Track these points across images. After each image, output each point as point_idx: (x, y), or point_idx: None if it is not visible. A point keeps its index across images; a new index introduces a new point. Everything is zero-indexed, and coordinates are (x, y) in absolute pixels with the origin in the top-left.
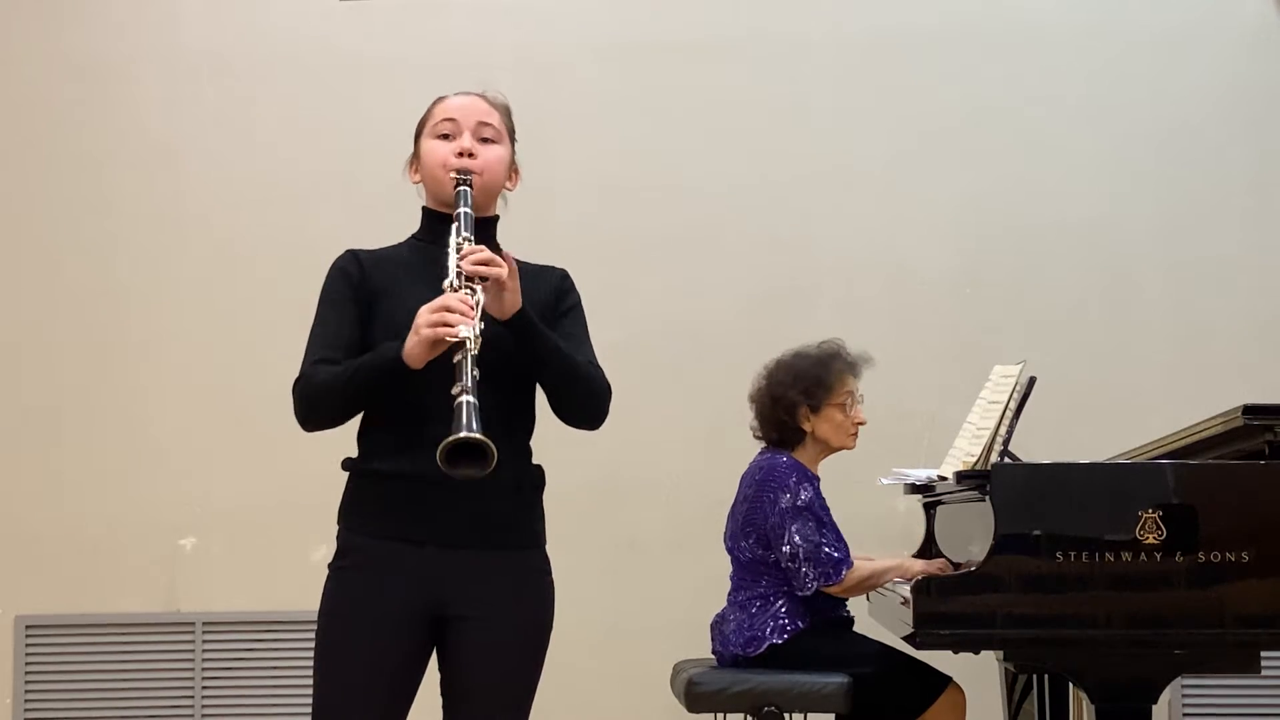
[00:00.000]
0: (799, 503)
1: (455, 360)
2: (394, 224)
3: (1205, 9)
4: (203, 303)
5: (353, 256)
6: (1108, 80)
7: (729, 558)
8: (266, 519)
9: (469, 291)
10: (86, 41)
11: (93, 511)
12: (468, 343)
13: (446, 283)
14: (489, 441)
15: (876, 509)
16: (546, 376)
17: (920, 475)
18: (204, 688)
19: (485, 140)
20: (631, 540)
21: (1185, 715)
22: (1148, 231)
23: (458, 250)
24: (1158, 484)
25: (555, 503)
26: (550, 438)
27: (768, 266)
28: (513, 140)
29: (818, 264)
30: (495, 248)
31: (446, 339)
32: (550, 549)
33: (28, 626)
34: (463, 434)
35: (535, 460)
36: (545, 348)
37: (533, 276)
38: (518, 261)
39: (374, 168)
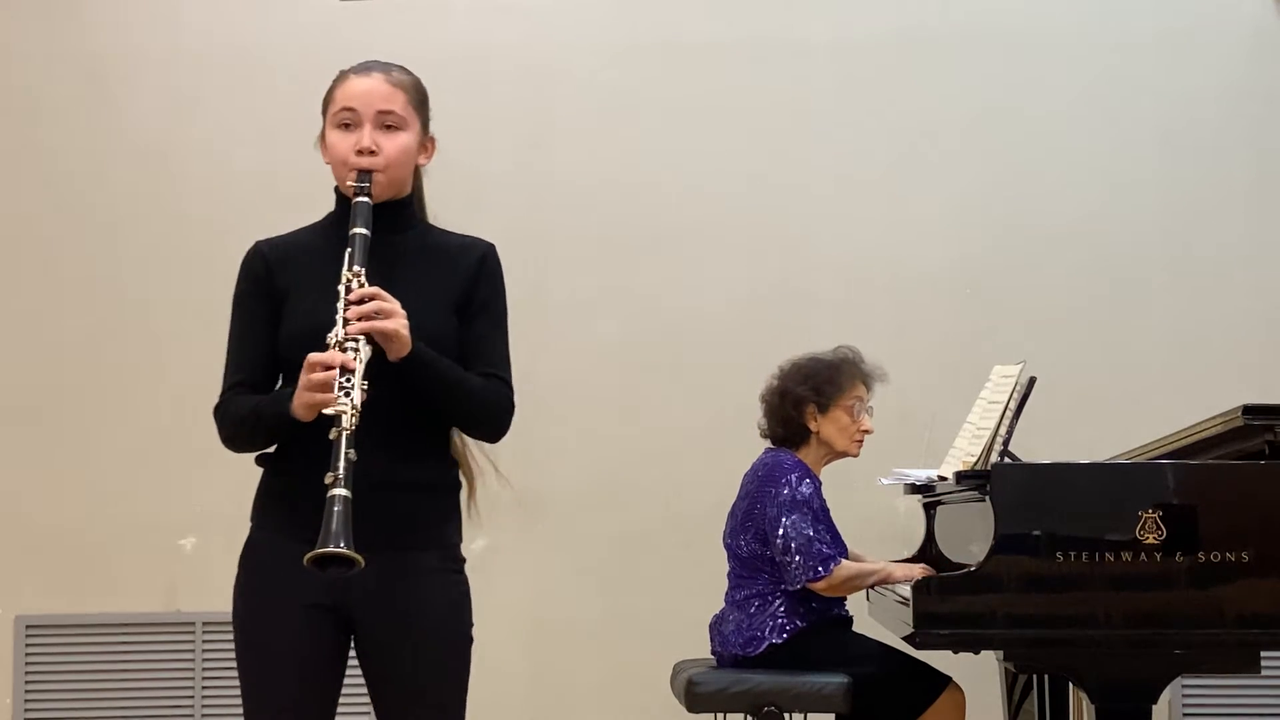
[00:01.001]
0: (797, 496)
1: (330, 437)
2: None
3: (1205, 9)
4: (203, 302)
5: (258, 254)
6: (1108, 80)
7: (728, 556)
8: None
9: (354, 345)
10: (87, 41)
11: (93, 511)
12: (343, 418)
13: (332, 333)
14: (355, 555)
15: (876, 509)
16: (440, 404)
17: (920, 475)
18: (204, 688)
19: (388, 127)
20: (631, 540)
21: (1185, 715)
22: (1148, 231)
23: (347, 289)
24: (1158, 484)
25: (555, 503)
26: (551, 438)
27: (768, 266)
28: (424, 115)
29: (818, 264)
30: (411, 225)
31: (323, 411)
32: (550, 549)
33: (28, 626)
34: (329, 549)
35: (456, 459)
36: (438, 385)
37: (451, 253)
38: (438, 233)
39: None
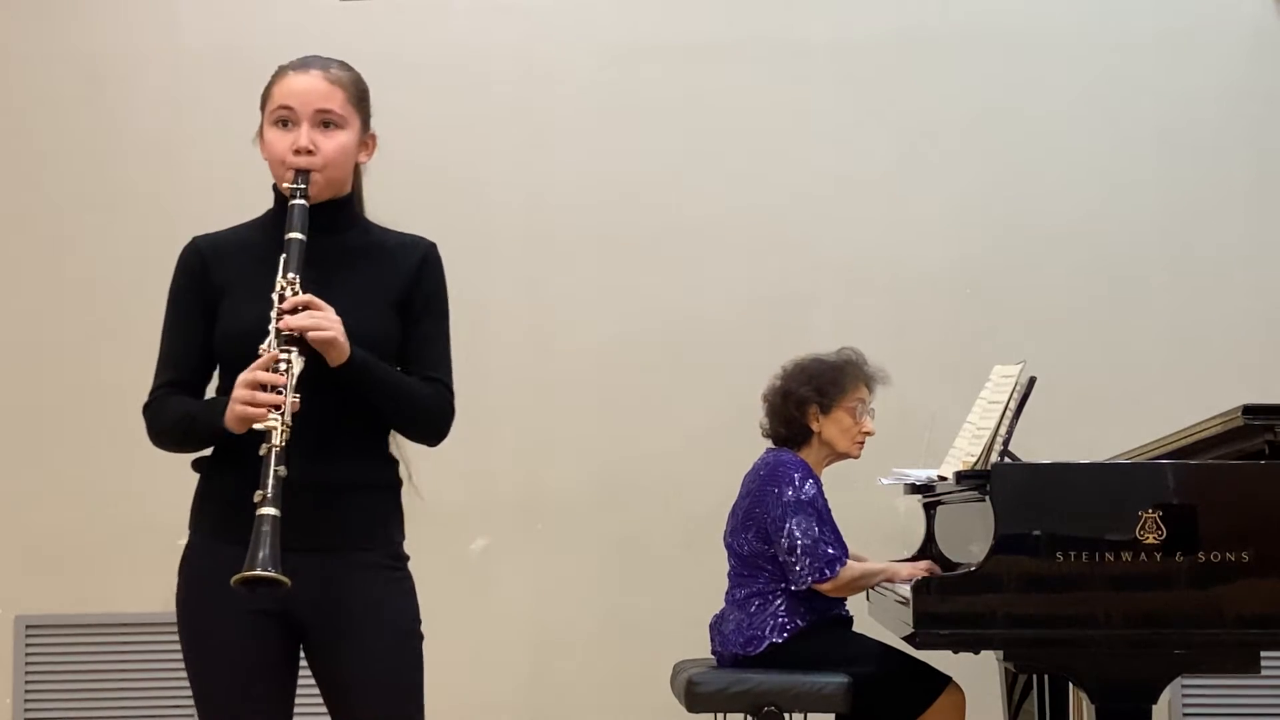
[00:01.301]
0: (802, 497)
1: (260, 453)
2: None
3: (1205, 9)
4: None
5: (195, 251)
6: (1108, 81)
7: (728, 555)
8: None
9: (285, 357)
10: (87, 40)
11: (93, 511)
12: (273, 435)
13: (265, 343)
14: (281, 578)
15: (876, 509)
16: (379, 408)
17: (920, 475)
18: None
19: (327, 126)
20: (631, 540)
21: (1185, 715)
22: (1147, 231)
23: (280, 297)
24: (1158, 484)
25: (556, 503)
26: (551, 438)
27: (768, 266)
28: (364, 112)
29: (818, 264)
30: (351, 224)
31: (254, 426)
32: (551, 549)
33: (28, 626)
34: (256, 572)
35: (397, 457)
36: (377, 390)
37: (391, 252)
38: (379, 231)
39: (372, 166)
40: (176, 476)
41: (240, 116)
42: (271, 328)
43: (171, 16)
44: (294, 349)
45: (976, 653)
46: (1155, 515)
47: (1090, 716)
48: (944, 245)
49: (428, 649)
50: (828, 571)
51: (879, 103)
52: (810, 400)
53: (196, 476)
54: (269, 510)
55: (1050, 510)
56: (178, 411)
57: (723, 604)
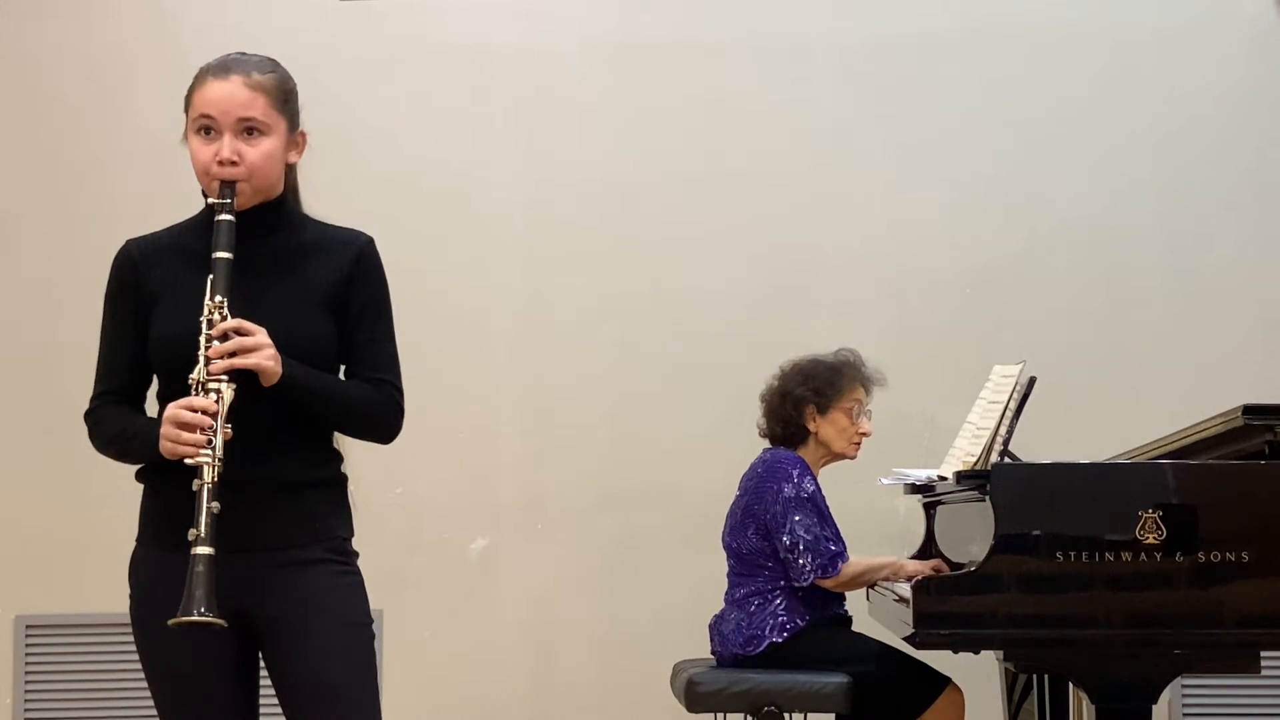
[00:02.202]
0: (802, 494)
1: (193, 489)
2: (393, 222)
3: (1205, 9)
4: None
5: (127, 257)
6: (1107, 80)
7: (727, 556)
8: None
9: (216, 389)
10: (87, 41)
11: (92, 512)
12: (204, 470)
13: (195, 371)
14: (217, 621)
15: (876, 509)
16: (321, 419)
17: (920, 475)
18: None
19: (250, 132)
20: (631, 540)
21: (1185, 715)
22: (1148, 231)
23: (209, 323)
24: (1158, 484)
25: (556, 503)
26: (551, 439)
27: (768, 266)
28: (290, 112)
29: (818, 264)
30: (284, 225)
31: (185, 461)
32: (551, 549)
33: (28, 626)
34: (190, 618)
35: (341, 453)
36: (316, 402)
37: (327, 249)
38: (315, 227)
39: (373, 167)
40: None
41: None
42: (200, 355)
43: (171, 17)
44: (224, 377)
45: (976, 653)
46: (1155, 515)
47: (1090, 716)
48: (944, 245)
49: (429, 649)
50: (830, 568)
51: (879, 103)
52: (807, 401)
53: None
54: (203, 550)
55: (1050, 510)
56: (116, 427)
57: (722, 604)
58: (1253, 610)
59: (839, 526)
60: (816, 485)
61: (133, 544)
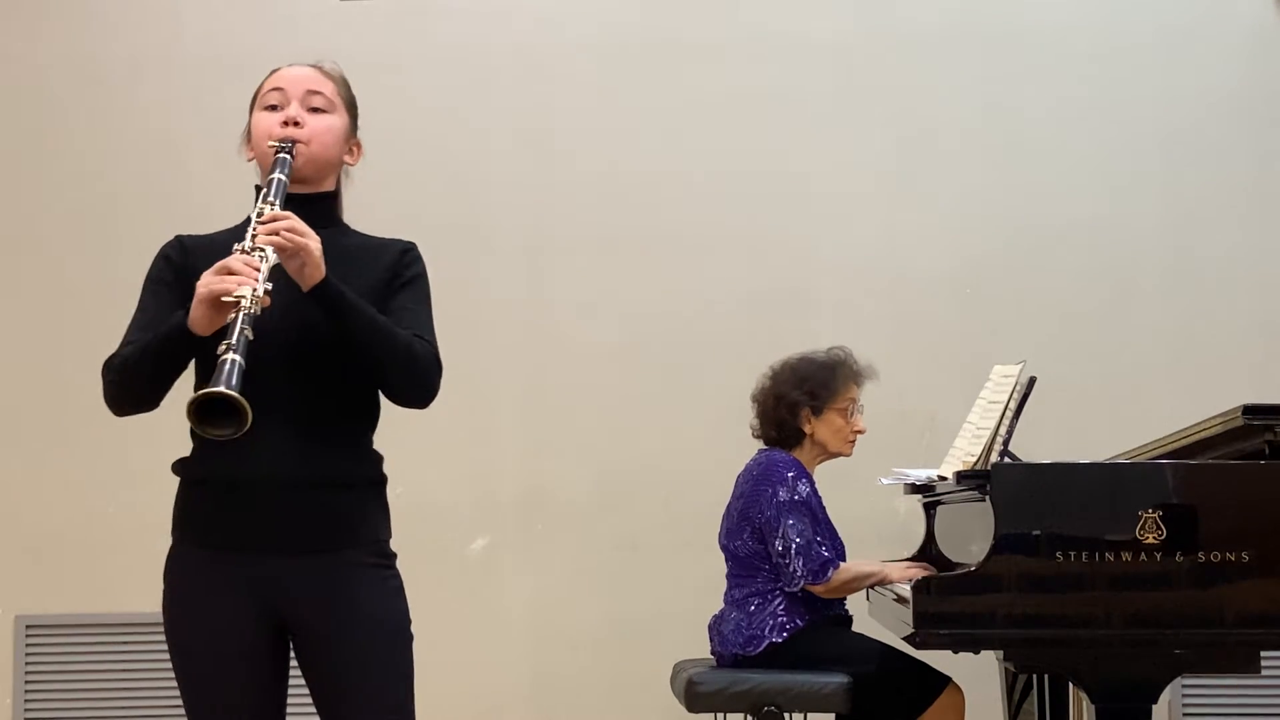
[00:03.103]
0: (796, 497)
1: (229, 319)
2: (393, 222)
3: (1205, 9)
4: None
5: (178, 243)
6: (1108, 80)
7: (725, 557)
8: None
9: (260, 254)
10: (87, 41)
11: (93, 511)
12: (243, 301)
13: (237, 245)
14: (242, 400)
15: (876, 509)
16: (360, 351)
17: (920, 475)
18: None
19: (315, 110)
20: (631, 540)
21: (1185, 715)
22: (1148, 232)
23: (259, 216)
24: (1158, 484)
25: (556, 503)
26: (551, 439)
27: (768, 266)
28: (353, 114)
29: (818, 264)
30: (333, 223)
31: (223, 299)
32: (551, 549)
33: (28, 626)
34: (213, 388)
35: (381, 454)
36: (354, 319)
37: (373, 252)
38: (358, 234)
39: (373, 167)
40: (176, 477)
41: (241, 116)
42: (247, 234)
43: (172, 18)
44: (268, 248)
45: (976, 653)
46: (1155, 515)
47: (1090, 716)
48: (944, 245)
49: (428, 649)
50: (821, 574)
51: (879, 102)
52: (802, 403)
53: None
54: (232, 355)
55: (1050, 510)
56: (134, 347)
57: (722, 604)
58: (1253, 610)
59: (838, 527)
60: (812, 488)
61: (132, 544)
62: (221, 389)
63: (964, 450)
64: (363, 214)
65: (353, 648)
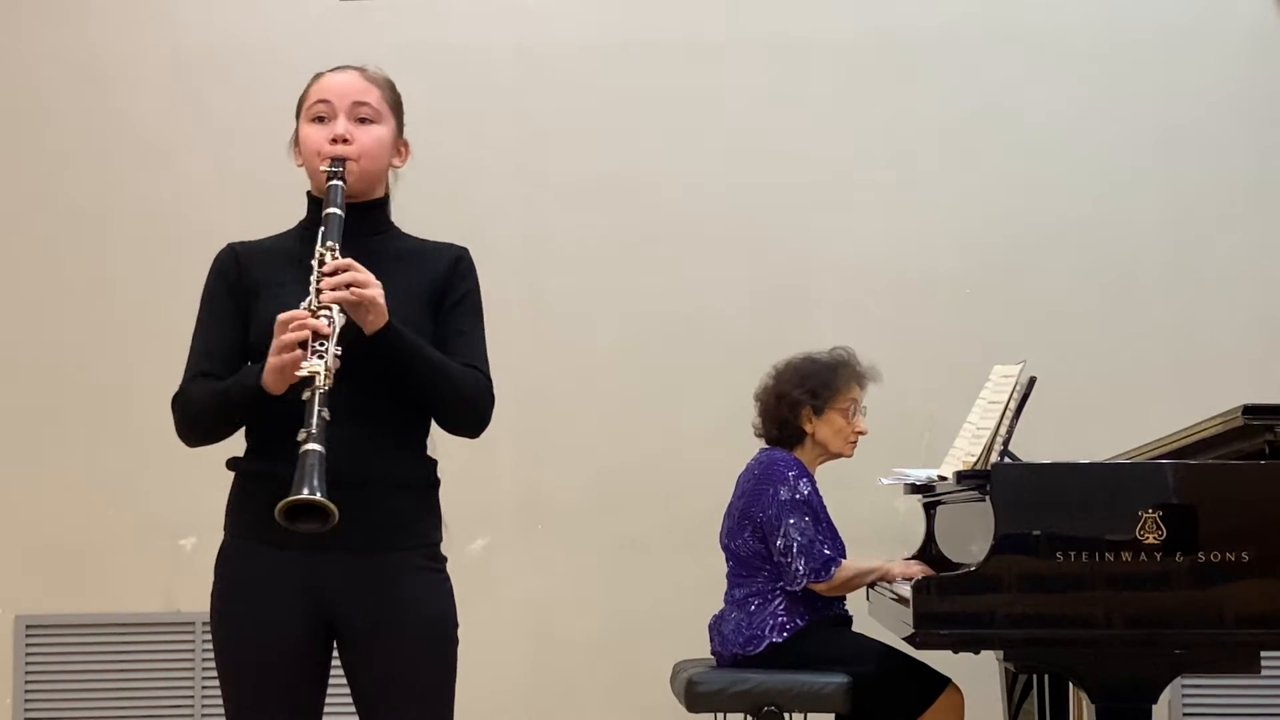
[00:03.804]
0: (797, 496)
1: (304, 398)
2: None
3: (1205, 9)
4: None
5: (230, 253)
6: (1108, 80)
7: (726, 557)
8: None
9: (326, 314)
10: (86, 41)
11: (93, 511)
12: (317, 378)
13: (304, 303)
14: (329, 505)
15: (876, 509)
16: (418, 390)
17: (920, 475)
18: (204, 688)
19: (363, 121)
20: (631, 540)
21: (1185, 715)
22: (1148, 231)
23: (320, 262)
24: (1158, 484)
25: (556, 503)
26: (551, 439)
27: (768, 266)
28: (399, 116)
29: (818, 264)
30: (385, 228)
31: (295, 373)
32: (551, 549)
33: (28, 626)
34: (303, 496)
35: (435, 455)
36: (413, 361)
37: (426, 256)
38: (412, 239)
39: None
40: (176, 477)
41: (240, 116)
42: (312, 289)
43: (171, 16)
44: (334, 306)
45: (977, 653)
46: (1155, 515)
47: (1090, 716)
48: (944, 245)
49: None
50: (824, 572)
51: (878, 102)
52: (803, 402)
53: (196, 478)
54: (314, 446)
55: (1050, 510)
56: (208, 389)
57: (722, 604)
58: (1253, 610)
59: (838, 527)
60: (814, 487)
61: (132, 544)
62: (315, 498)
63: (964, 450)
64: None
65: (400, 649)
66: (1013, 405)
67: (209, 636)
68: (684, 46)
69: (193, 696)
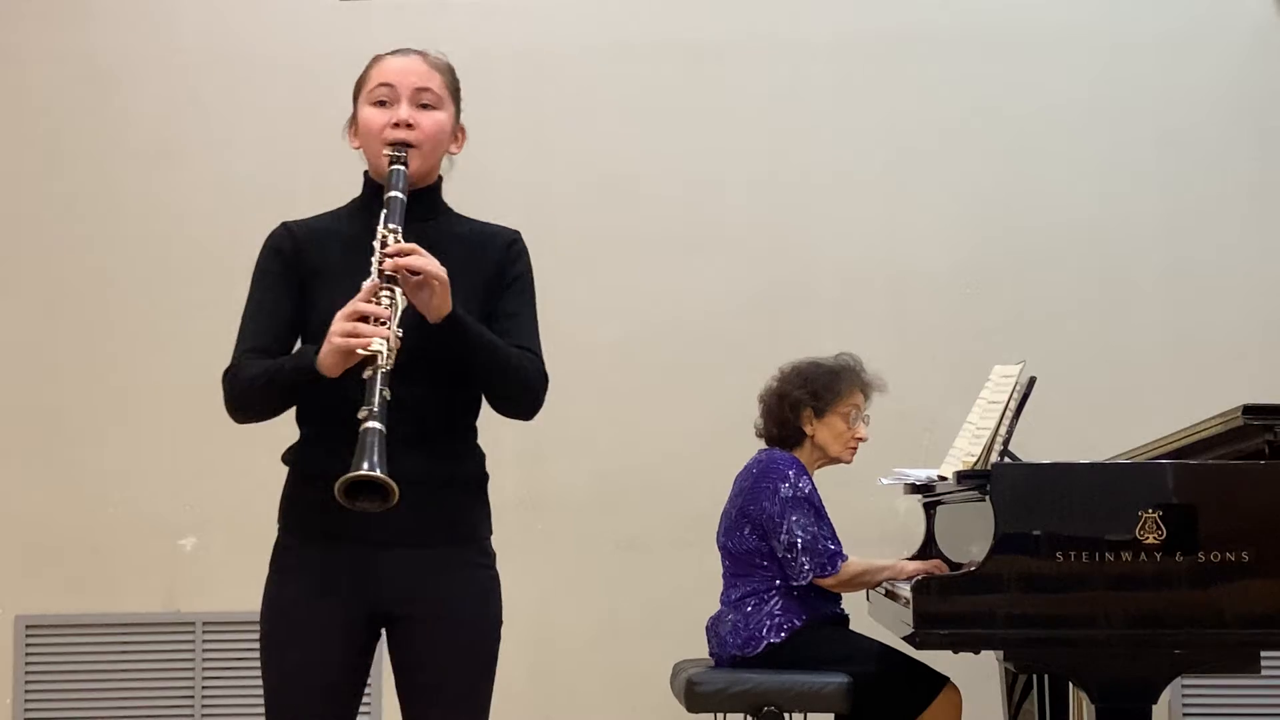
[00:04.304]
0: (799, 493)
1: (365, 376)
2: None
3: (1206, 10)
4: (202, 302)
5: (286, 232)
6: (1108, 81)
7: (722, 557)
8: (266, 519)
9: (388, 295)
10: (86, 41)
11: (93, 511)
12: (379, 358)
13: (366, 283)
14: (390, 481)
15: (876, 509)
16: (477, 372)
17: (920, 475)
18: (204, 688)
19: (424, 106)
20: (631, 540)
21: (1185, 715)
22: (1148, 232)
23: (382, 244)
24: (1158, 484)
25: (556, 503)
26: (551, 439)
27: (768, 266)
28: (458, 102)
29: (818, 264)
30: (441, 212)
31: (357, 351)
32: (551, 549)
33: (28, 626)
34: (362, 471)
35: (484, 452)
36: (477, 349)
37: (480, 239)
38: (466, 220)
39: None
40: (176, 477)
41: (240, 116)
42: (373, 268)
43: (170, 18)
44: (395, 287)
45: (977, 653)
46: (1155, 515)
47: (1090, 716)
48: (944, 245)
49: None
50: (829, 567)
51: (878, 102)
52: (805, 403)
53: (196, 479)
54: (375, 424)
55: (1050, 510)
56: (261, 366)
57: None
58: (1253, 610)
59: (838, 527)
60: (813, 485)
61: (132, 544)
62: (375, 474)
63: (964, 450)
64: None
65: (446, 643)
66: (1013, 405)
67: (209, 636)
68: (684, 47)
69: (192, 696)
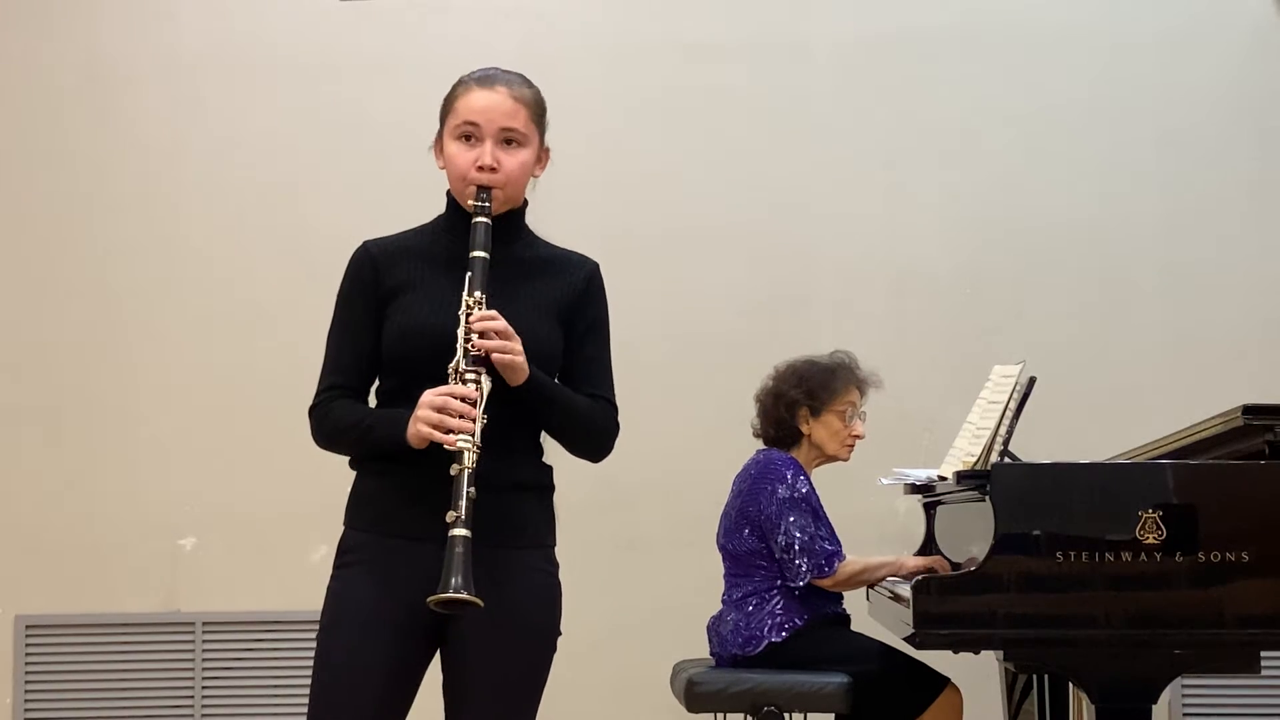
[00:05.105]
0: (795, 494)
1: (452, 473)
2: (394, 223)
3: (1206, 10)
4: (203, 303)
5: (366, 254)
6: (1108, 81)
7: (723, 558)
8: (266, 519)
9: (474, 376)
10: (86, 42)
11: (93, 511)
12: (465, 455)
13: (451, 365)
14: (476, 600)
15: (876, 509)
16: (552, 426)
17: (920, 475)
18: (204, 688)
19: (509, 143)
20: (631, 540)
21: (1185, 715)
22: (1148, 232)
23: (467, 314)
24: (1158, 484)
25: (556, 503)
26: (551, 439)
27: (768, 266)
28: (543, 128)
29: (818, 264)
30: (521, 236)
31: (445, 445)
32: None
33: (28, 626)
34: (449, 594)
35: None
36: (552, 408)
37: (558, 266)
38: (545, 245)
39: (374, 167)
40: (176, 477)
41: (240, 116)
42: (459, 345)
43: (170, 18)
44: (482, 369)
45: (977, 653)
46: (1155, 515)
47: (1090, 716)
48: (943, 245)
49: None
50: (826, 568)
51: (878, 103)
52: (800, 402)
53: (195, 479)
54: (461, 532)
55: (1050, 510)
56: (352, 416)
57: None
58: (1253, 610)
59: (838, 527)
60: (811, 486)
61: (132, 544)
62: (464, 595)
63: (964, 450)
64: (365, 213)
65: (502, 651)
66: (1013, 405)
67: (209, 636)
68: (684, 47)
69: (192, 696)
